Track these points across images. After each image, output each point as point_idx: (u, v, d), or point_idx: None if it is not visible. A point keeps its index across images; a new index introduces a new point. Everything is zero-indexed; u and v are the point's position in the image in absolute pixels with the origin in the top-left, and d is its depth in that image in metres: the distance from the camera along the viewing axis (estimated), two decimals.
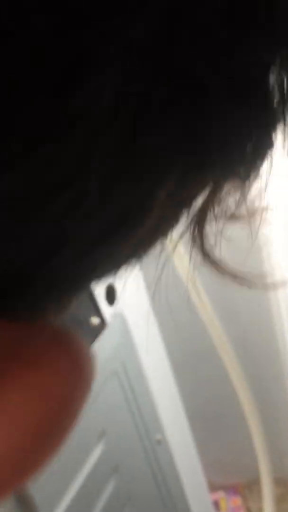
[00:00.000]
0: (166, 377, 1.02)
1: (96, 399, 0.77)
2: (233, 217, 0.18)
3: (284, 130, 0.14)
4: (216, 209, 0.17)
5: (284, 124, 0.14)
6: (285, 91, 0.14)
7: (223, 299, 1.31)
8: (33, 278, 0.14)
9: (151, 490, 0.93)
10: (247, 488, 1.63)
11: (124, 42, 0.11)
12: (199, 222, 0.17)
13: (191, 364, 1.44)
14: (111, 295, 0.82)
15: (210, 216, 0.17)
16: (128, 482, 0.85)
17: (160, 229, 0.16)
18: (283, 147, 0.15)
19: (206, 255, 0.19)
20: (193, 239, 0.17)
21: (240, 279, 0.21)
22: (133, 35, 0.11)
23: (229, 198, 0.17)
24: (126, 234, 0.15)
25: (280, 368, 1.43)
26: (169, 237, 0.17)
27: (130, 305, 0.87)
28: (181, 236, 0.18)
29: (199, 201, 0.16)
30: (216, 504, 1.58)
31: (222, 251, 0.20)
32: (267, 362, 1.45)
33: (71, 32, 0.10)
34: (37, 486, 0.66)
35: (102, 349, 0.78)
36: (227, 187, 0.16)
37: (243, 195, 0.17)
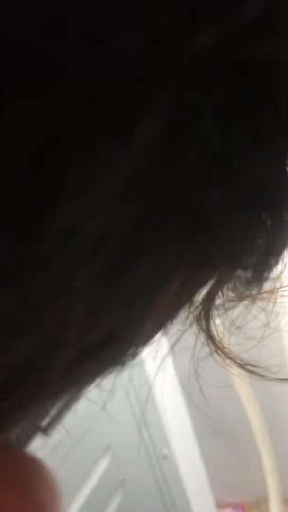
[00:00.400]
0: (174, 392, 1.02)
1: (102, 413, 0.76)
2: (246, 300, 0.17)
3: None
4: (225, 295, 0.15)
5: None
6: None
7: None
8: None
9: (157, 505, 0.92)
10: (254, 506, 1.61)
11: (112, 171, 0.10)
12: (205, 309, 0.16)
13: (200, 379, 1.43)
14: None
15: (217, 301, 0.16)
16: (134, 496, 0.84)
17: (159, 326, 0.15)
18: None
19: (215, 344, 0.17)
20: (199, 326, 0.16)
21: (250, 370, 0.20)
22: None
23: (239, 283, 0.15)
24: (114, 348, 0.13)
25: None
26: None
27: None
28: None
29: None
30: None
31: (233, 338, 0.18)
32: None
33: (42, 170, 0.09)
34: None
35: None
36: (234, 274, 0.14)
37: (257, 286, 0.15)
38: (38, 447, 0.67)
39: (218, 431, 1.50)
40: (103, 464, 0.78)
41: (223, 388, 1.33)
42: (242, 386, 1.29)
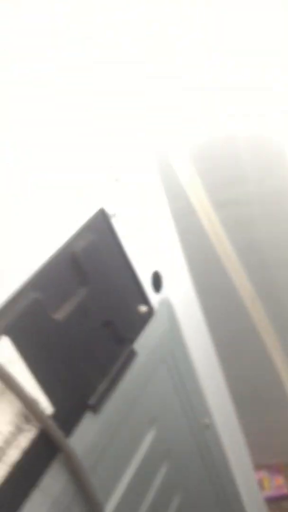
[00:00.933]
0: (211, 361, 1.02)
1: (146, 387, 0.77)
2: None
3: None
4: None
5: None
6: None
7: (264, 279, 1.30)
8: None
9: (200, 472, 0.94)
10: None
11: None
12: None
13: (233, 346, 1.44)
14: (157, 282, 0.82)
15: None
16: (179, 466, 0.86)
17: None
18: None
19: None
20: None
21: None
22: None
23: None
24: None
25: None
26: None
27: (175, 290, 0.87)
28: None
29: None
30: (259, 483, 1.59)
31: None
32: None
33: None
34: (95, 473, 0.67)
35: (151, 337, 0.78)
36: None
37: None
38: (89, 424, 0.68)
39: (253, 396, 1.51)
40: (149, 437, 0.79)
41: (256, 351, 1.33)
42: (276, 350, 1.29)
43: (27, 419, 0.60)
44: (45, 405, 0.61)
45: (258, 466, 1.59)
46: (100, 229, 0.72)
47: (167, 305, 0.83)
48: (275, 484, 1.59)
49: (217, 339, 1.10)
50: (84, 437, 0.66)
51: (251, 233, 1.31)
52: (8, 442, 0.58)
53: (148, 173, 0.83)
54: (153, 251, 0.82)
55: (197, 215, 1.11)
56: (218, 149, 1.23)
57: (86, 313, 0.68)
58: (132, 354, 0.74)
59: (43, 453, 0.61)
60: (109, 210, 0.73)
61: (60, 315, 0.64)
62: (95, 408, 0.67)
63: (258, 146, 1.21)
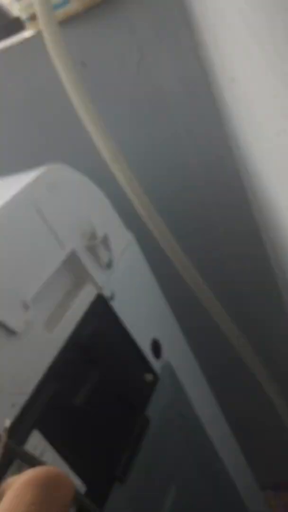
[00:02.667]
0: (212, 408, 1.09)
1: (161, 449, 0.84)
2: None
3: None
4: None
5: None
6: None
7: (243, 313, 1.38)
8: None
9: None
10: None
11: None
12: None
13: (224, 379, 1.51)
14: (156, 350, 0.90)
15: None
16: None
17: None
18: None
19: None
20: None
21: None
22: None
23: None
24: None
25: None
26: None
27: (173, 353, 0.95)
28: None
29: None
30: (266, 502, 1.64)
31: None
32: None
33: None
34: None
35: (159, 401, 0.85)
36: None
37: None
38: (118, 494, 0.73)
39: (252, 428, 1.58)
40: (171, 495, 0.85)
41: (250, 389, 1.39)
42: (270, 386, 1.36)
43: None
44: (78, 485, 0.67)
45: (263, 487, 1.64)
46: (100, 313, 0.79)
47: (169, 369, 0.90)
48: (281, 502, 1.65)
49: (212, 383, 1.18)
50: (116, 507, 0.72)
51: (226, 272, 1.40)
52: None
53: (132, 252, 0.92)
54: (149, 321, 0.90)
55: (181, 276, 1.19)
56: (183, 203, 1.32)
57: (100, 391, 0.75)
58: (145, 421, 0.81)
59: None
60: (106, 293, 0.81)
61: (79, 399, 0.71)
62: (122, 479, 0.74)
63: (220, 196, 1.31)
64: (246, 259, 1.40)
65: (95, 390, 0.74)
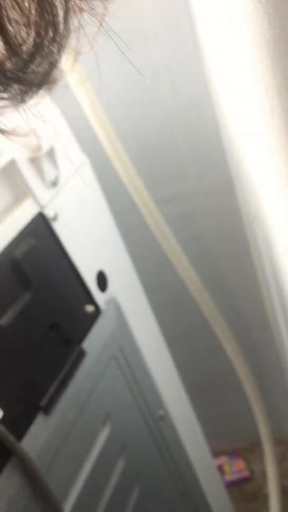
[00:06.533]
0: (162, 355, 1.04)
1: (98, 385, 0.78)
2: None
3: None
4: None
5: None
6: None
7: (209, 271, 1.33)
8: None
9: (158, 465, 0.96)
10: (248, 451, 1.68)
11: None
12: None
13: (185, 338, 1.47)
14: (102, 282, 0.83)
15: None
16: (136, 460, 0.88)
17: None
18: None
19: None
20: None
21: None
22: None
23: None
24: None
25: (271, 333, 1.46)
26: None
27: (122, 288, 0.89)
28: None
29: None
30: (220, 468, 1.63)
31: None
32: (258, 328, 1.48)
33: None
34: (51, 474, 0.68)
35: (99, 336, 0.79)
36: None
37: None
38: (42, 426, 0.69)
39: (209, 386, 1.55)
40: (104, 434, 0.80)
41: (206, 341, 1.36)
42: (226, 337, 1.33)
43: None
44: None
45: (217, 453, 1.63)
46: (39, 233, 0.72)
47: (114, 303, 0.85)
48: (235, 468, 1.64)
49: (170, 333, 1.13)
50: (37, 439, 0.67)
51: (194, 227, 1.34)
52: None
53: (83, 173, 0.84)
54: (96, 251, 0.84)
55: (140, 213, 1.12)
56: (156, 147, 1.25)
57: (31, 317, 0.69)
58: (81, 354, 0.75)
59: None
60: (48, 213, 0.74)
61: (4, 321, 0.65)
62: (46, 410, 0.68)
63: (196, 142, 1.24)
64: (218, 211, 1.35)
65: (25, 313, 0.67)
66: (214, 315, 1.28)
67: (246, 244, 1.31)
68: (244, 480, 1.62)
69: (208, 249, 1.39)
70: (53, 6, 0.22)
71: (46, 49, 0.23)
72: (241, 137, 0.87)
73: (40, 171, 0.73)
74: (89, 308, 0.78)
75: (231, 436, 1.69)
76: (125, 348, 0.85)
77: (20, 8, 0.20)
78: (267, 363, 1.52)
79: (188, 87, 1.21)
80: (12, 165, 0.70)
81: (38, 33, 0.22)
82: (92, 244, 0.83)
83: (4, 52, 0.22)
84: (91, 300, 0.80)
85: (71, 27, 0.24)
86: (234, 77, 0.62)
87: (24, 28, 0.21)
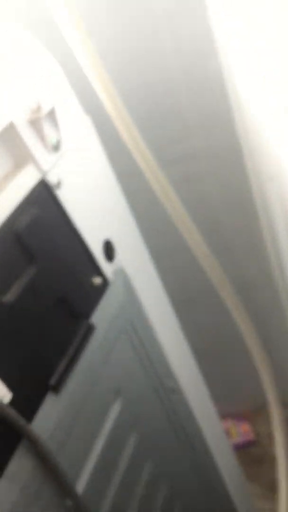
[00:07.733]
0: (172, 325, 1.01)
1: (108, 360, 0.75)
2: None
3: None
4: None
5: None
6: None
7: (216, 235, 1.29)
8: None
9: (169, 435, 0.94)
10: (254, 414, 1.68)
11: None
12: None
13: (194, 303, 1.44)
14: (109, 252, 0.79)
15: None
16: (147, 433, 0.85)
17: None
18: None
19: None
20: None
21: None
22: None
23: None
24: None
25: (277, 296, 1.43)
26: None
27: (129, 257, 0.84)
28: None
29: None
30: (226, 432, 1.63)
31: None
32: (265, 293, 1.45)
33: None
34: (63, 454, 0.65)
35: (108, 309, 0.76)
36: None
37: None
38: (52, 405, 0.65)
39: (215, 349, 1.53)
40: (116, 409, 0.77)
41: (214, 305, 1.33)
42: (232, 302, 1.30)
43: None
44: (3, 392, 0.58)
45: (223, 416, 1.62)
46: (42, 201, 0.68)
47: (122, 274, 0.80)
48: (241, 431, 1.64)
49: (176, 298, 1.09)
50: (48, 419, 0.63)
51: (201, 189, 1.29)
52: None
53: (87, 136, 0.79)
54: (101, 219, 0.79)
55: (144, 175, 1.07)
56: (158, 105, 1.19)
57: (37, 292, 0.64)
58: (89, 329, 0.72)
59: (5, 441, 0.59)
60: (51, 180, 0.69)
61: (9, 297, 0.61)
62: (56, 388, 0.65)
63: (201, 101, 1.18)
64: (224, 174, 1.30)
65: (31, 288, 0.63)
66: (221, 278, 1.25)
67: (252, 206, 1.26)
68: (250, 444, 1.62)
69: (214, 211, 1.35)
70: None
71: None
72: (253, 90, 0.81)
73: (40, 134, 0.68)
74: (97, 280, 0.74)
75: (237, 399, 1.68)
76: (134, 320, 0.81)
77: None
78: (274, 327, 1.49)
79: (191, 38, 1.13)
80: (10, 128, 0.64)
81: None
82: (98, 212, 0.78)
83: None
84: (98, 271, 0.76)
85: None
86: (247, 20, 0.56)
87: None
